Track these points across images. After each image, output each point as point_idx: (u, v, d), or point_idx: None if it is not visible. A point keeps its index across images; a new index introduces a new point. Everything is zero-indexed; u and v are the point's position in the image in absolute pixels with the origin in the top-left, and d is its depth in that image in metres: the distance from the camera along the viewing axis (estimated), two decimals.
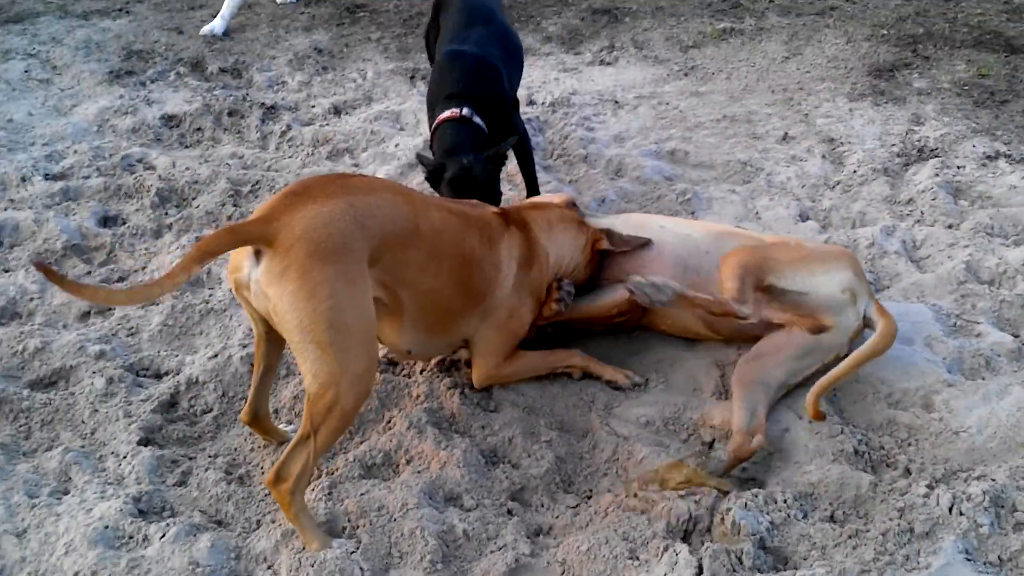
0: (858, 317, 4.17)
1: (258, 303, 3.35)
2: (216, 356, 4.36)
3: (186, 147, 6.70)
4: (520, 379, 4.29)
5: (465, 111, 4.95)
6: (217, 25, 8.66)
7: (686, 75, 7.96)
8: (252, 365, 4.01)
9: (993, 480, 3.55)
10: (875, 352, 4.00)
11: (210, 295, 4.81)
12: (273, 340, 3.65)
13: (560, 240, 4.34)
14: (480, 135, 4.96)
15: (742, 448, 3.80)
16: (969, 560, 3.28)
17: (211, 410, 4.14)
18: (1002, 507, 3.47)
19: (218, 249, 3.28)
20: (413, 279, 3.70)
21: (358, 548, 3.38)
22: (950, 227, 5.45)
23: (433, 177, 4.84)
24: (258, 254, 3.28)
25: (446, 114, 4.97)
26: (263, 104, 7.17)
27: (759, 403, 3.95)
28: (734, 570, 3.26)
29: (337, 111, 7.26)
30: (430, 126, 5.13)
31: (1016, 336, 4.51)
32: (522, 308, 4.20)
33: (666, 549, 3.34)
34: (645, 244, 4.42)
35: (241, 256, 3.35)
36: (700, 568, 3.24)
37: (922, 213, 5.60)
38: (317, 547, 3.33)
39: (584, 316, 4.44)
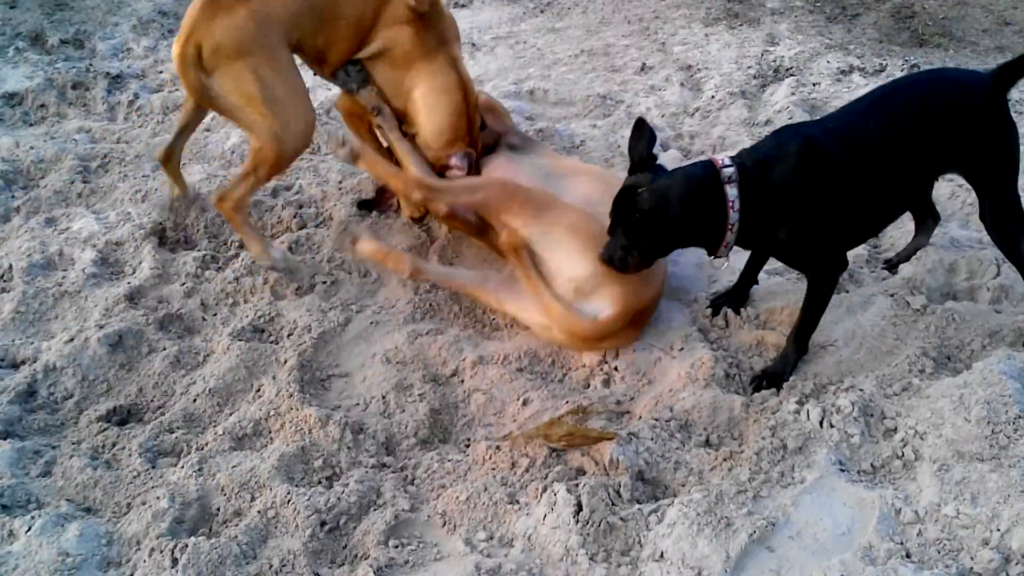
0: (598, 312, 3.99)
1: (199, 90, 4.28)
2: (73, 340, 4.19)
3: (30, 125, 6.40)
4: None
5: None
6: None
7: (542, 12, 7.90)
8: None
9: (861, 391, 3.61)
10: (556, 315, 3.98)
11: (63, 277, 4.62)
12: (199, 109, 4.88)
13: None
14: None
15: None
16: (843, 471, 3.33)
17: (72, 396, 3.98)
18: (871, 416, 3.53)
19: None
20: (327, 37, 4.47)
21: (236, 522, 3.31)
22: None
23: None
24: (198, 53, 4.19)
25: None
26: (108, 74, 6.88)
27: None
28: (613, 503, 3.26)
29: None
30: None
31: (875, 247, 4.59)
32: None
33: (544, 490, 3.33)
34: None
35: (186, 49, 4.19)
36: (580, 505, 3.23)
37: None
38: (258, 253, 4.60)
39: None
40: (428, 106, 4.55)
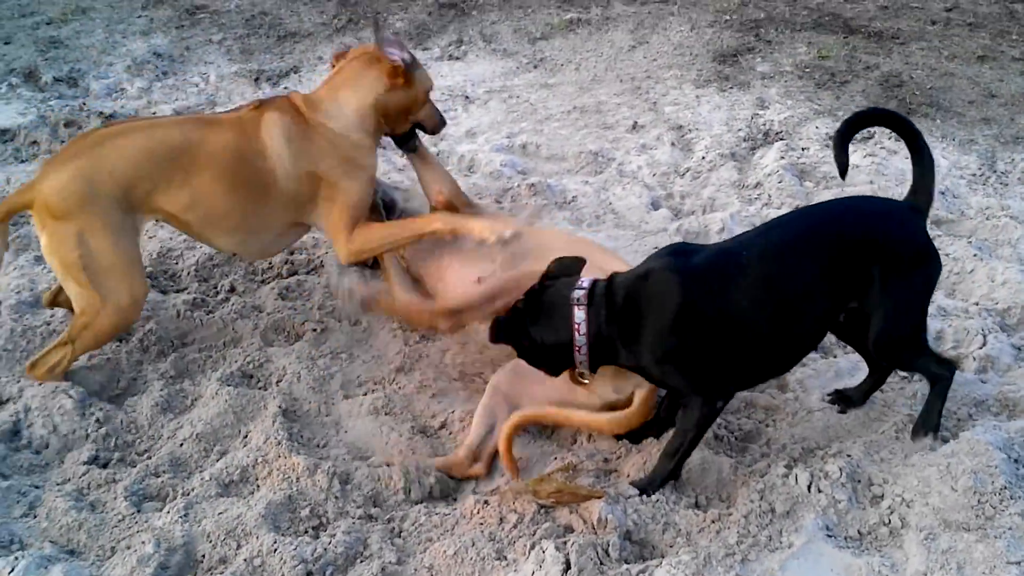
0: (620, 392, 3.87)
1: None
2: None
3: (22, 161, 6.41)
4: (387, 249, 4.36)
5: None
6: None
7: (535, 67, 7.97)
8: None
9: (849, 456, 3.62)
10: (603, 426, 3.81)
11: (51, 315, 4.60)
12: None
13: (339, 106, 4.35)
14: None
15: (459, 468, 3.79)
16: (830, 536, 3.34)
17: (57, 436, 3.95)
18: (859, 482, 3.54)
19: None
20: (186, 199, 4.14)
21: (222, 570, 3.28)
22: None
23: None
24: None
25: None
26: (101, 113, 6.91)
27: (498, 423, 3.82)
28: (602, 563, 3.25)
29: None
30: None
31: None
32: (341, 180, 4.28)
33: (533, 547, 3.32)
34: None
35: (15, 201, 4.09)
36: (568, 563, 3.22)
37: (769, 196, 5.70)
38: None
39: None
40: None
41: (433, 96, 4.57)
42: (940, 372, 3.68)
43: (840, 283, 3.45)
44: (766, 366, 3.63)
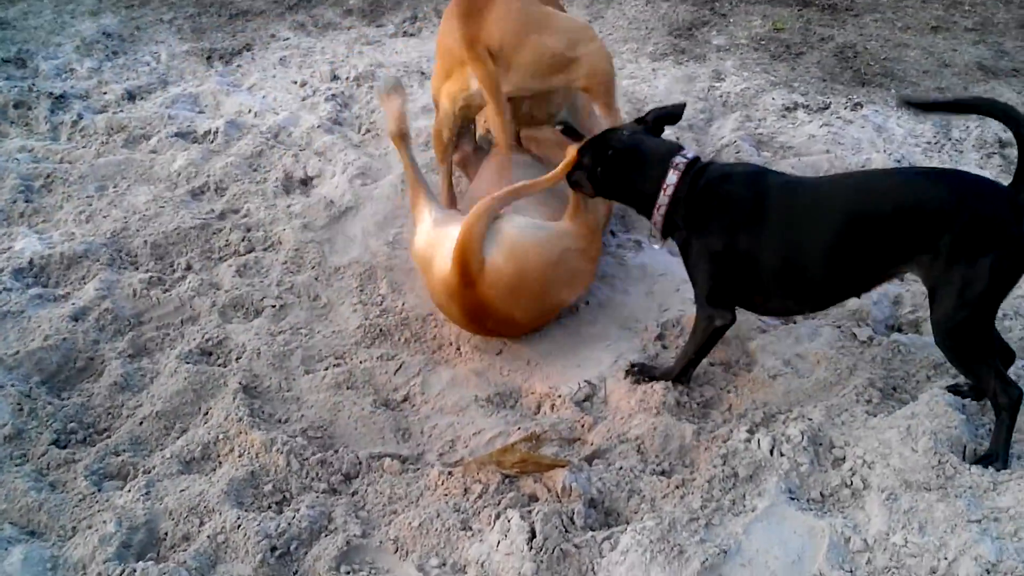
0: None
1: None
2: (17, 353, 4.13)
3: None
4: None
5: None
6: None
7: None
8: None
9: (810, 420, 3.65)
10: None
11: (6, 298, 4.53)
12: None
13: None
14: None
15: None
16: (793, 499, 3.36)
17: (14, 416, 3.90)
18: (820, 445, 3.56)
19: None
20: None
21: (185, 547, 3.26)
22: None
23: None
24: None
25: None
26: (51, 94, 6.79)
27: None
28: (567, 531, 3.26)
29: (131, 97, 6.94)
30: None
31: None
32: None
33: (498, 517, 3.32)
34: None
35: None
36: (533, 532, 3.22)
37: None
38: None
39: None
40: None
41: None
42: (1002, 396, 3.40)
43: (896, 242, 3.41)
44: (793, 300, 3.74)
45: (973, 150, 5.91)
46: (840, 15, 8.06)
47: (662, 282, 4.68)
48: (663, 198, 3.70)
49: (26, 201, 5.46)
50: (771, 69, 7.07)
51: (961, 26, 7.81)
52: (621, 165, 3.79)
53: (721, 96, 6.61)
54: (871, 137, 5.97)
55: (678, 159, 3.71)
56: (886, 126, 6.08)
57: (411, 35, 8.14)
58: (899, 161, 5.61)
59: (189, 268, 4.85)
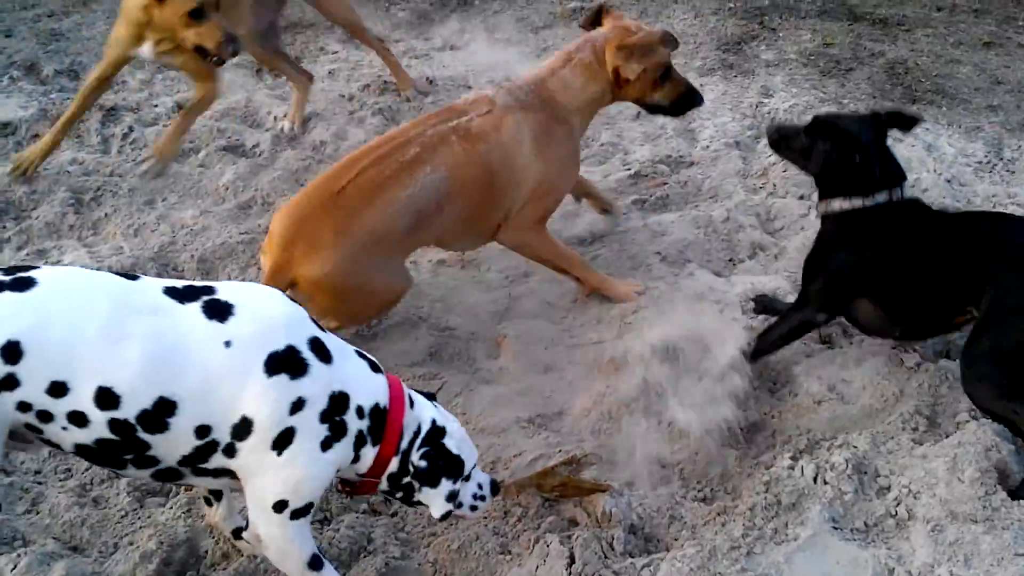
0: None
1: None
2: None
3: None
4: (542, 258, 4.70)
5: None
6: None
7: (538, 57, 7.90)
8: None
9: (855, 447, 3.61)
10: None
11: None
12: None
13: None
14: None
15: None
16: (836, 528, 3.33)
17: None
18: (865, 473, 3.52)
19: None
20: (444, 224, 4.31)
21: (225, 565, 3.28)
22: (801, 198, 5.49)
23: None
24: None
25: None
26: (103, 106, 6.84)
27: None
28: (606, 556, 3.25)
29: (181, 109, 7.00)
30: None
31: None
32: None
33: (537, 541, 3.31)
34: None
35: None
36: (572, 557, 3.22)
37: (775, 185, 5.66)
38: None
39: None
40: None
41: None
42: None
43: (965, 280, 3.67)
44: (889, 318, 3.97)
45: None
46: (891, 30, 7.98)
47: (704, 307, 4.62)
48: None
49: (76, 214, 5.52)
50: (820, 85, 7.01)
51: (1015, 42, 7.72)
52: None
53: (770, 112, 6.56)
54: (921, 156, 5.89)
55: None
56: (936, 144, 6.01)
57: (458, 48, 8.15)
58: (948, 181, 5.54)
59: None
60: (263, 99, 6.99)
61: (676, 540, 3.36)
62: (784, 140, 4.20)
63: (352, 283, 4.03)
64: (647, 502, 3.47)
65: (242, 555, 3.30)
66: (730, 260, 5.03)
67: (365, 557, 3.33)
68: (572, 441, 3.89)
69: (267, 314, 2.72)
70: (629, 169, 5.96)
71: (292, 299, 2.98)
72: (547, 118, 4.44)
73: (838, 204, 3.96)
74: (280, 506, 2.71)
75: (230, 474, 2.72)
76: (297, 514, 2.76)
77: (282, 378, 2.60)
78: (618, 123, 6.64)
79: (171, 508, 3.51)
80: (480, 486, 3.09)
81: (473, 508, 3.10)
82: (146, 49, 5.47)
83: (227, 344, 2.57)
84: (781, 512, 3.41)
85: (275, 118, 6.66)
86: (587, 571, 3.17)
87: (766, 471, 3.57)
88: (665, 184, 5.75)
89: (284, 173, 5.87)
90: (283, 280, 3.91)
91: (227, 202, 5.64)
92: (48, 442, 2.58)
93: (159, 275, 4.90)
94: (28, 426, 2.50)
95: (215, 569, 3.30)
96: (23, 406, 2.43)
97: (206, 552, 3.37)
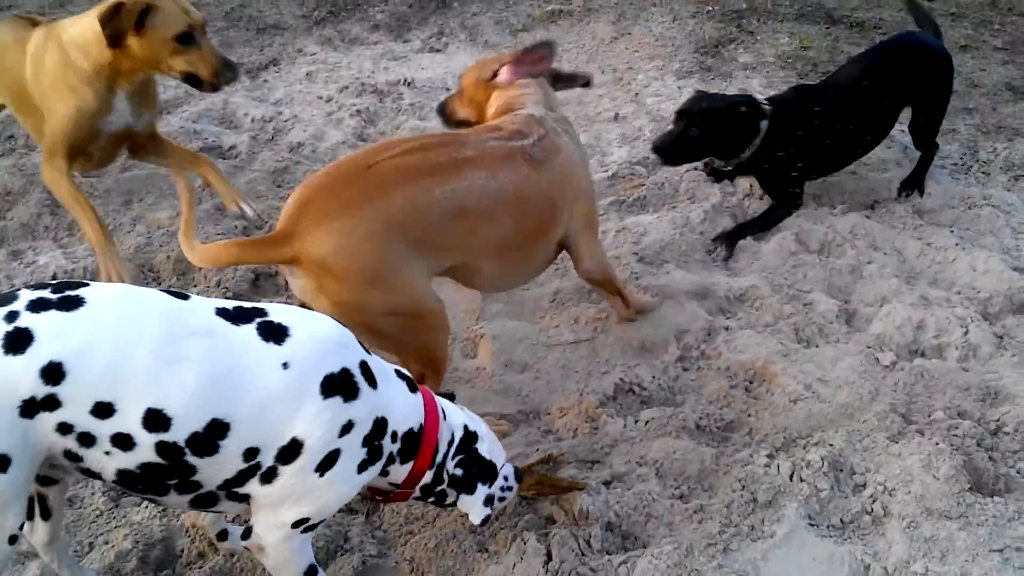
0: None
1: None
2: None
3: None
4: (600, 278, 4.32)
5: None
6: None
7: None
8: None
9: (831, 445, 3.63)
10: None
11: None
12: None
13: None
14: None
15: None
16: (812, 525, 3.34)
17: None
18: (841, 471, 3.54)
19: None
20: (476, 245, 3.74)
21: (201, 564, 3.26)
22: None
23: None
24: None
25: None
26: None
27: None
28: (583, 554, 3.25)
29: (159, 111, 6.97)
30: None
31: (846, 303, 4.63)
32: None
33: (515, 539, 3.30)
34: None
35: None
36: (549, 554, 3.22)
37: (751, 185, 5.68)
38: None
39: None
40: None
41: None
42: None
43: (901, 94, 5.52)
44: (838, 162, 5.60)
45: (1001, 172, 5.87)
46: (868, 33, 8.04)
47: (679, 302, 4.64)
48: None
49: (51, 215, 5.48)
50: None
51: (990, 45, 7.78)
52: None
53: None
54: (897, 157, 5.94)
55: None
56: (912, 146, 6.04)
57: (437, 51, 8.16)
58: None
59: (219, 285, 4.85)
60: (240, 100, 6.96)
61: (653, 537, 3.35)
62: (676, 146, 5.26)
63: (364, 269, 3.37)
64: (624, 500, 3.46)
65: (218, 554, 3.28)
66: (707, 260, 5.04)
67: (342, 556, 3.31)
68: (549, 440, 3.90)
69: (322, 336, 2.69)
70: (607, 171, 5.96)
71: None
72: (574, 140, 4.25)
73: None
74: (299, 523, 2.69)
75: (248, 499, 2.69)
76: (309, 528, 2.74)
77: (336, 400, 2.58)
78: (596, 125, 6.65)
79: (146, 508, 3.48)
80: (506, 478, 3.09)
81: (502, 500, 3.10)
82: (121, 105, 4.82)
83: (285, 366, 2.54)
84: (758, 509, 3.42)
85: (252, 120, 6.64)
86: (564, 568, 3.16)
87: (743, 469, 3.57)
88: (643, 185, 5.76)
89: (261, 174, 5.86)
90: (282, 255, 3.40)
91: (204, 203, 5.61)
92: (86, 472, 2.52)
93: (135, 276, 4.88)
94: (67, 453, 2.44)
95: (191, 568, 3.28)
96: (63, 427, 2.36)
97: (182, 551, 3.35)
